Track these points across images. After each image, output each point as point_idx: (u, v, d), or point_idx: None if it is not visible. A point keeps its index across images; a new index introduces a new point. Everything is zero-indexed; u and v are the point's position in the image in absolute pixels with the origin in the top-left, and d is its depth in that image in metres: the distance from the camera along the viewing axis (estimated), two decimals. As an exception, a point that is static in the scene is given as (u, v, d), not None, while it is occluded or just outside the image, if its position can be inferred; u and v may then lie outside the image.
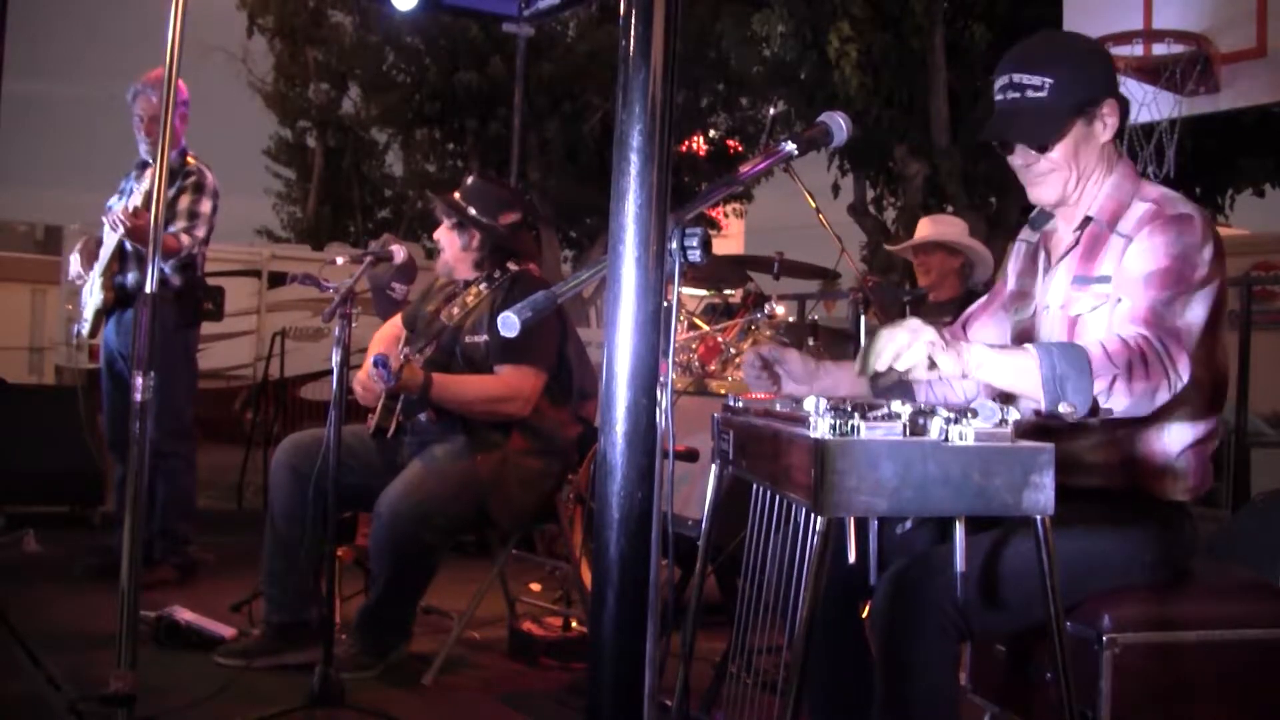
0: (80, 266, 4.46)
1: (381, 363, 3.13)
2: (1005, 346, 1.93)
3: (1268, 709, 1.98)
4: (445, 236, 3.54)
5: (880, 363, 1.72)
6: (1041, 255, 2.18)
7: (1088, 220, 2.05)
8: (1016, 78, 2.01)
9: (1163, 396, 1.80)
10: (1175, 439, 2.00)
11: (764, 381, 2.16)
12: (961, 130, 10.15)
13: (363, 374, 3.40)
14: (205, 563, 4.54)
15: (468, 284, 3.56)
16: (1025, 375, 1.76)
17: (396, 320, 3.77)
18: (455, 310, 3.53)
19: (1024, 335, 2.16)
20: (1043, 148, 2.02)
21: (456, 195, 3.55)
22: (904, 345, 1.71)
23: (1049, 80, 1.98)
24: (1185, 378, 1.81)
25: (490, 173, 4.10)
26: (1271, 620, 1.99)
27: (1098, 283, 1.99)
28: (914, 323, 1.75)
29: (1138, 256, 1.93)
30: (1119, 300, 1.94)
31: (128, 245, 4.30)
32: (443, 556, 3.35)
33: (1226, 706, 1.97)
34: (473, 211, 3.48)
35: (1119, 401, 1.77)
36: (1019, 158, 2.07)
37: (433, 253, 3.68)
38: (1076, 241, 2.06)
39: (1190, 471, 2.02)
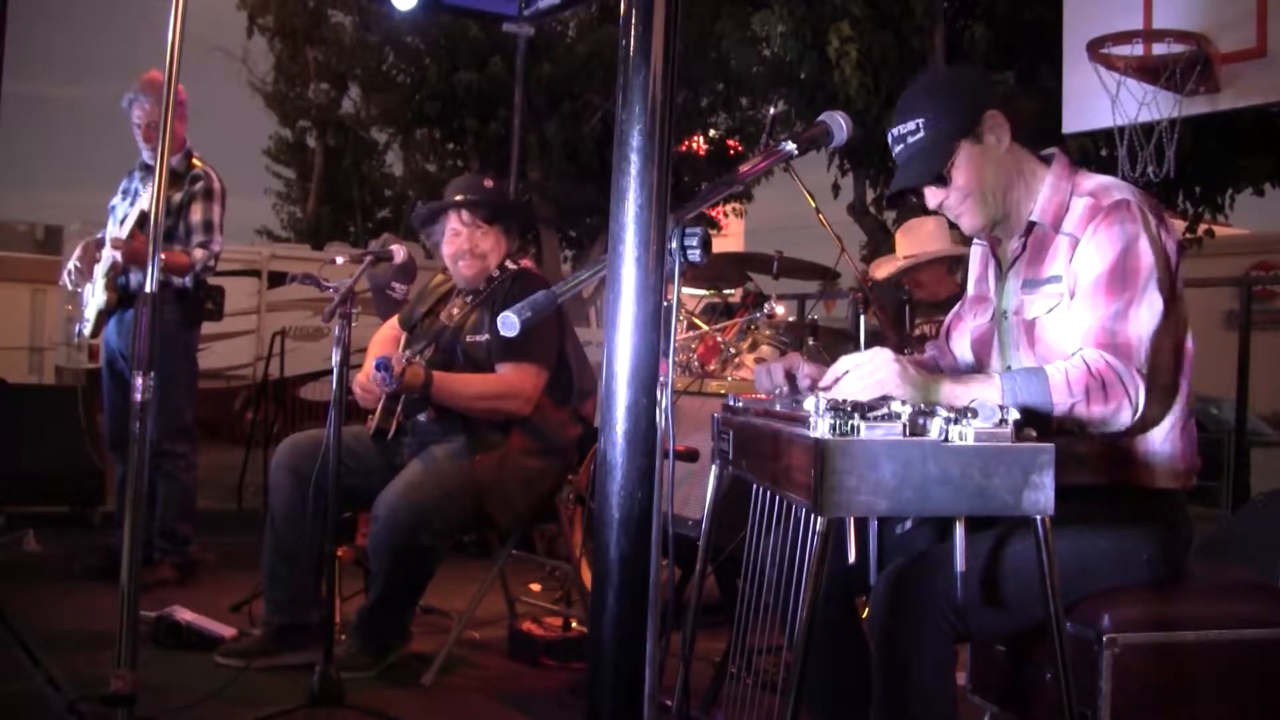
0: (78, 272, 4.43)
1: (383, 366, 3.13)
2: (971, 377, 1.98)
3: (1268, 709, 1.98)
4: (491, 241, 3.45)
5: (839, 392, 1.81)
6: (992, 262, 2.22)
7: (1032, 225, 2.08)
8: (894, 132, 2.09)
9: (1126, 416, 1.87)
10: (1156, 423, 2.00)
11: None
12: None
13: (363, 377, 3.39)
14: (205, 563, 4.54)
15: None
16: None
17: (395, 320, 3.76)
18: (455, 310, 3.52)
19: (982, 340, 2.20)
20: (940, 179, 2.06)
21: (476, 199, 3.47)
22: (865, 381, 1.82)
23: (918, 120, 2.05)
24: (1143, 393, 1.87)
25: (478, 173, 4.10)
26: (1271, 620, 1.99)
27: (1047, 283, 2.03)
28: (879, 358, 1.84)
29: (1087, 257, 1.96)
30: (1072, 301, 1.97)
31: None
32: (442, 556, 3.34)
33: (1226, 706, 1.97)
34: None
35: (1079, 423, 1.85)
36: (931, 199, 2.12)
37: (433, 253, 3.64)
38: (1023, 248, 2.10)
39: (1178, 455, 2.02)
